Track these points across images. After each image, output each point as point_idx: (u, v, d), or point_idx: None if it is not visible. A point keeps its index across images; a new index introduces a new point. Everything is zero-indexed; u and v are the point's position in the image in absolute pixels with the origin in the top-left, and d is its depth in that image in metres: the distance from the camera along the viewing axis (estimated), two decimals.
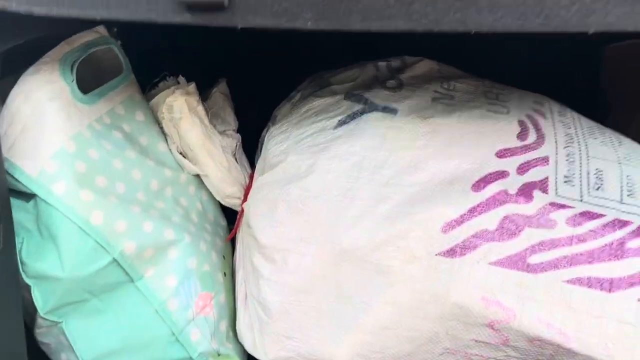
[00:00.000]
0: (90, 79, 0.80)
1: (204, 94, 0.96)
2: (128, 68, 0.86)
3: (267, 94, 0.97)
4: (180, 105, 0.83)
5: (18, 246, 0.70)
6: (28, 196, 0.72)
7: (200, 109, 0.85)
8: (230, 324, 0.85)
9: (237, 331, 0.83)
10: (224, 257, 0.89)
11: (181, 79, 0.87)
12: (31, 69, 0.73)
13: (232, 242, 0.94)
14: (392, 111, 0.79)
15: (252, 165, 0.95)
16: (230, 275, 0.89)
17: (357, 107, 0.80)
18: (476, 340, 0.70)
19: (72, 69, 0.75)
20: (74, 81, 0.75)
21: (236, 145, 0.94)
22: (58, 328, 0.75)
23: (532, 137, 0.79)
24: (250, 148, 0.97)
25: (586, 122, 0.86)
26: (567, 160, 0.77)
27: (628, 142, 0.83)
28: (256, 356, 0.79)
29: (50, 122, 0.71)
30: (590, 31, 0.52)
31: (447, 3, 0.52)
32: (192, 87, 0.86)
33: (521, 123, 0.80)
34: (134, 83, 0.87)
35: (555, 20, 0.51)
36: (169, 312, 0.77)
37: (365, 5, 0.52)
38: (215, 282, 0.83)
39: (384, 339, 0.71)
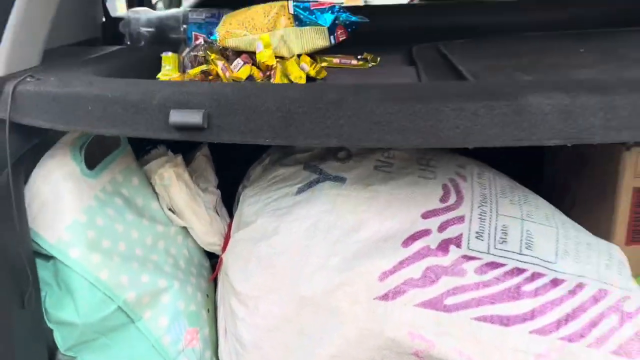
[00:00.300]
0: (95, 151, 0.98)
1: (189, 156, 1.15)
2: (125, 141, 1.04)
3: (244, 153, 1.15)
4: (169, 175, 1.01)
5: (42, 298, 0.88)
6: (48, 257, 0.89)
7: (186, 176, 1.03)
8: (213, 352, 1.04)
9: (219, 359, 1.02)
10: (207, 295, 1.08)
11: (170, 153, 1.05)
12: (48, 153, 0.91)
13: (215, 280, 1.12)
14: (342, 180, 0.98)
15: (231, 214, 1.14)
16: (213, 310, 1.07)
17: (313, 176, 0.99)
18: None
19: (80, 152, 0.92)
20: (83, 161, 0.92)
21: (216, 200, 1.12)
22: None
23: (452, 199, 0.98)
24: (231, 198, 1.15)
25: (500, 182, 1.05)
26: (479, 218, 0.97)
27: (533, 199, 1.04)
28: None
29: (65, 198, 0.88)
30: (471, 147, 0.71)
31: (367, 127, 0.71)
32: (180, 159, 1.04)
33: (444, 187, 1.00)
34: (130, 153, 1.05)
35: (443, 139, 0.71)
36: (163, 346, 0.95)
37: (307, 128, 0.71)
38: (200, 319, 1.02)
39: None
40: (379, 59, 1.13)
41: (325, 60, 1.08)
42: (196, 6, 1.52)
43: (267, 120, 0.71)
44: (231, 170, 1.19)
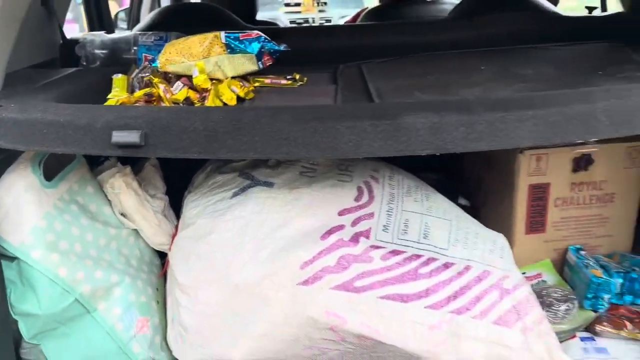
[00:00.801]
0: (53, 164, 1.11)
1: (139, 166, 1.29)
2: (80, 155, 1.17)
3: (191, 163, 1.30)
4: (119, 184, 1.15)
5: (8, 293, 1.01)
6: (12, 258, 1.03)
7: (134, 184, 1.18)
8: (163, 338, 1.18)
9: (168, 343, 1.16)
10: (157, 289, 1.22)
11: (119, 164, 1.19)
12: (10, 168, 1.04)
13: (165, 275, 1.27)
14: (270, 184, 1.15)
15: (178, 216, 1.28)
16: (163, 302, 1.22)
17: (246, 182, 1.15)
18: (324, 339, 1.05)
19: (39, 166, 1.06)
20: (41, 174, 1.06)
21: (164, 205, 1.27)
22: (37, 348, 1.06)
23: (365, 199, 1.16)
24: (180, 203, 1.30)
25: (407, 182, 1.23)
26: (387, 214, 1.15)
27: (434, 197, 1.22)
28: (180, 359, 1.13)
29: (26, 207, 1.02)
30: (361, 157, 0.88)
31: (277, 143, 0.87)
32: (128, 169, 1.18)
33: (359, 188, 1.17)
34: (85, 165, 1.19)
35: (339, 151, 0.87)
36: (116, 332, 1.09)
37: (229, 144, 0.87)
38: (150, 309, 1.16)
39: (265, 342, 1.06)
40: (305, 79, 1.29)
41: (257, 81, 1.24)
42: (145, 30, 1.66)
43: (195, 139, 0.86)
44: (181, 178, 1.34)
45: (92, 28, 2.47)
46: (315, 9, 4.69)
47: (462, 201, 1.70)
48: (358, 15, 3.30)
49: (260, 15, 5.27)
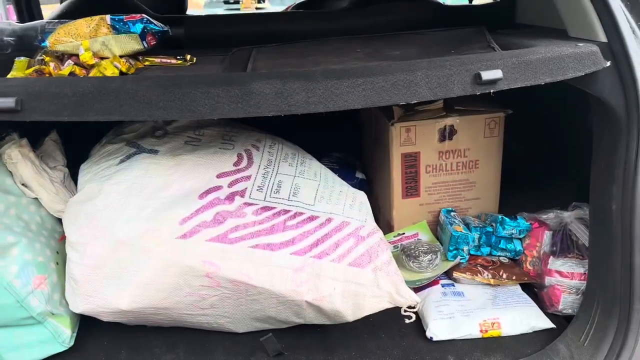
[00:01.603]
0: None
1: (41, 141, 1.39)
2: None
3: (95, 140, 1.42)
4: (16, 154, 1.26)
5: None
6: None
7: (31, 155, 1.28)
8: (62, 295, 1.29)
9: (65, 297, 1.27)
10: (57, 252, 1.33)
11: (16, 135, 1.29)
12: None
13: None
14: (155, 152, 1.27)
15: None
16: (63, 263, 1.32)
17: (132, 150, 1.27)
18: (202, 285, 1.19)
19: None
20: None
21: (64, 175, 1.38)
22: None
23: (243, 164, 1.30)
24: None
25: (286, 150, 1.38)
26: (262, 176, 1.29)
27: (308, 162, 1.37)
28: (74, 311, 1.24)
29: None
30: (215, 118, 1.02)
31: (140, 106, 1.00)
32: (24, 141, 1.29)
33: (239, 155, 1.31)
34: None
35: (196, 113, 1.01)
36: (14, 287, 1.19)
37: (96, 108, 0.99)
38: (48, 269, 1.27)
39: (148, 290, 1.18)
40: (195, 59, 1.42)
41: (148, 60, 1.37)
42: (56, 18, 1.75)
43: (65, 103, 0.98)
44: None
45: (21, 18, 2.54)
46: (253, 5, 4.83)
47: (359, 175, 1.87)
48: (287, 9, 3.44)
49: (201, 12, 5.36)
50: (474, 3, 1.99)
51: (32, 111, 0.99)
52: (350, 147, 2.03)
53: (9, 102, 0.97)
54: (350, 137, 2.01)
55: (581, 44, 1.15)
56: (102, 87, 1.00)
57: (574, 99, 1.30)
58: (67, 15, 1.81)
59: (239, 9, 5.31)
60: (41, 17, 2.70)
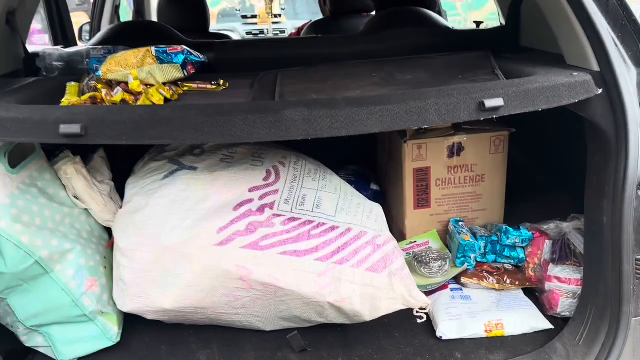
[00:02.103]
0: (16, 155, 1.37)
1: (90, 157, 1.56)
2: (38, 147, 1.44)
3: (135, 156, 1.58)
4: (71, 170, 1.42)
5: None
6: None
7: (84, 171, 1.45)
8: (110, 297, 1.45)
9: (113, 299, 1.43)
10: (105, 257, 1.49)
11: (70, 153, 1.46)
12: None
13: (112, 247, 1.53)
14: (195, 169, 1.43)
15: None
16: (110, 268, 1.48)
17: (175, 167, 1.43)
18: (236, 287, 1.34)
19: (5, 155, 1.32)
20: (7, 162, 1.32)
21: (110, 189, 1.54)
22: (4, 302, 1.32)
23: (272, 179, 1.45)
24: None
25: (309, 166, 1.53)
26: (289, 190, 1.44)
27: (329, 177, 1.52)
28: (122, 310, 1.40)
29: None
30: (252, 142, 1.17)
31: (187, 131, 1.15)
32: (78, 158, 1.45)
33: (268, 171, 1.47)
34: (43, 156, 1.46)
35: (235, 137, 1.16)
36: (70, 289, 1.35)
37: (149, 133, 1.15)
38: (99, 272, 1.43)
39: (189, 292, 1.33)
40: (227, 84, 1.58)
41: (186, 86, 1.53)
42: (98, 44, 1.93)
43: (123, 129, 1.14)
44: (127, 168, 1.61)
45: (55, 41, 2.73)
46: (270, 20, 5.02)
47: (374, 186, 2.02)
48: (303, 27, 3.61)
49: (222, 27, 5.56)
50: (481, 27, 2.12)
51: (95, 136, 1.15)
52: (364, 160, 2.17)
53: (75, 128, 1.13)
54: (364, 151, 2.15)
55: (576, 73, 1.29)
56: (154, 115, 1.16)
57: (571, 119, 1.44)
58: (108, 41, 1.99)
59: (256, 23, 5.51)
60: (73, 37, 2.90)
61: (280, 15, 5.37)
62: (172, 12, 2.82)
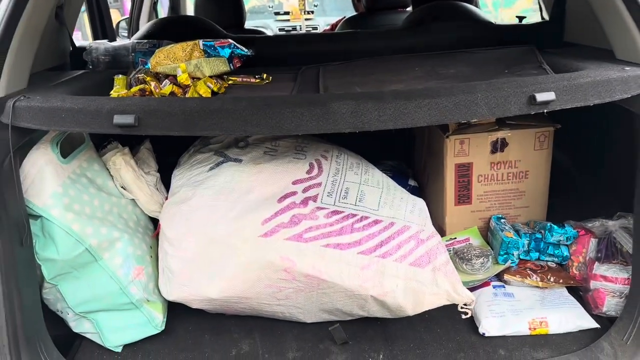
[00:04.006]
0: (67, 146, 1.41)
1: (137, 149, 1.59)
2: (88, 138, 1.48)
3: (180, 148, 1.61)
4: (120, 161, 1.45)
5: (33, 243, 1.31)
6: (36, 217, 1.32)
7: (132, 162, 1.48)
8: (155, 284, 1.48)
9: (159, 288, 1.46)
10: (151, 247, 1.52)
11: (118, 144, 1.49)
12: (35, 147, 1.34)
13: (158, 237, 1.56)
14: (240, 161, 1.45)
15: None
16: (155, 257, 1.51)
17: (220, 159, 1.45)
18: (280, 278, 1.35)
19: (57, 146, 1.36)
20: (59, 152, 1.36)
21: (157, 180, 1.57)
22: (55, 288, 1.36)
23: (315, 172, 1.46)
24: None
25: (351, 160, 1.53)
26: (331, 183, 1.45)
27: (371, 171, 1.52)
28: (167, 298, 1.43)
29: (47, 177, 1.31)
30: (300, 134, 1.18)
31: (237, 123, 1.16)
32: (127, 150, 1.48)
33: (310, 164, 1.47)
34: (92, 147, 1.49)
35: (283, 129, 1.17)
36: (118, 277, 1.38)
37: (200, 125, 1.16)
38: (145, 260, 1.46)
39: (234, 282, 1.35)
40: (270, 77, 1.59)
41: (231, 79, 1.54)
42: (142, 38, 1.96)
43: (175, 120, 1.16)
44: (172, 160, 1.64)
45: (95, 36, 2.78)
46: (302, 17, 5.03)
47: (412, 182, 2.01)
48: (337, 23, 3.60)
49: (252, 23, 5.60)
50: (523, 22, 2.09)
51: (147, 127, 1.17)
52: (400, 156, 2.16)
53: (129, 118, 1.15)
54: (400, 146, 2.14)
55: (628, 68, 1.26)
56: (205, 106, 1.18)
57: (617, 116, 1.41)
58: (151, 35, 2.02)
59: (288, 20, 5.53)
60: (112, 33, 2.95)
61: (312, 12, 5.38)
62: (210, 8, 2.85)
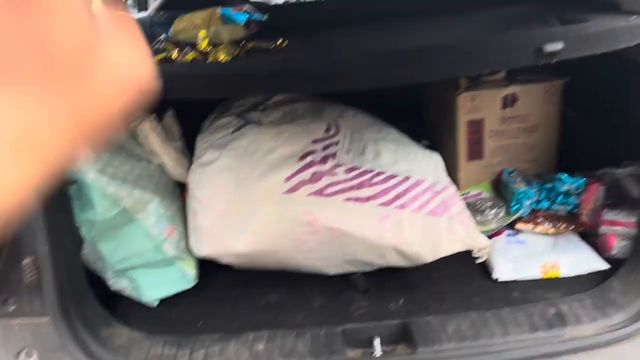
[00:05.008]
0: None
1: (161, 117, 1.67)
2: None
3: (202, 115, 1.68)
4: (147, 128, 1.53)
5: (73, 206, 1.40)
6: (74, 181, 1.41)
7: (158, 129, 1.55)
8: (186, 243, 1.57)
9: (189, 244, 1.55)
10: (179, 208, 1.60)
11: (146, 115, 1.57)
12: None
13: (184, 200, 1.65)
14: (260, 123, 1.52)
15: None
16: (183, 217, 1.60)
17: (242, 122, 1.52)
18: (304, 232, 1.43)
19: None
20: None
21: (181, 145, 1.65)
22: (95, 247, 1.45)
23: (332, 131, 1.53)
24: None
25: (367, 120, 1.60)
26: (349, 141, 1.51)
27: (386, 130, 1.59)
28: (198, 255, 1.52)
29: None
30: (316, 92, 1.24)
31: (252, 84, 1.23)
32: (153, 117, 1.56)
33: (328, 124, 1.54)
34: None
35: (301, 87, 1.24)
36: (152, 235, 1.47)
37: (221, 87, 1.23)
38: (176, 220, 1.55)
39: (261, 236, 1.44)
40: (285, 43, 1.65)
41: (248, 44, 1.60)
42: (159, 10, 2.02)
43: (200, 83, 1.23)
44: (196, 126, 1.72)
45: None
46: None
47: (425, 142, 2.07)
48: None
49: None
50: None
51: (175, 90, 1.24)
52: (411, 118, 2.21)
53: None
54: (411, 109, 2.19)
55: (633, 17, 1.30)
56: (229, 69, 1.26)
57: (622, 67, 1.45)
58: (170, 5, 2.07)
59: None
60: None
61: None
62: None
